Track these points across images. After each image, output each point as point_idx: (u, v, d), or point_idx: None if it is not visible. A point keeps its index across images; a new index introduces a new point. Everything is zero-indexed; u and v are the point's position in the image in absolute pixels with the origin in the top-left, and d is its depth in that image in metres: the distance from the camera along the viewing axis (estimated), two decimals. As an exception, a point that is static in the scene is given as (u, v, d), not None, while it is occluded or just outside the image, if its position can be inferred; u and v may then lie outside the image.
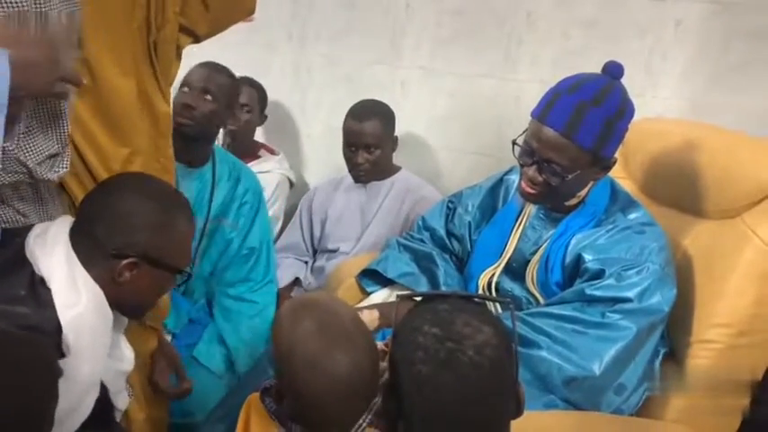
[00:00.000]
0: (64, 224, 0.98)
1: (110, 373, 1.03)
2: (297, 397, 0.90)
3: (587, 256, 1.26)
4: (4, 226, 0.98)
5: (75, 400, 0.93)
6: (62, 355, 0.90)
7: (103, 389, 1.00)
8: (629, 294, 1.19)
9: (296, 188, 2.23)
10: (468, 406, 0.78)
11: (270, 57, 2.29)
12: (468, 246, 1.50)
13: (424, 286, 1.44)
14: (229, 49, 2.19)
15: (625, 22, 1.66)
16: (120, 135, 1.14)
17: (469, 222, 1.51)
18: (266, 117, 2.23)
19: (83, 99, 1.08)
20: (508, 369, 0.82)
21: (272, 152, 2.21)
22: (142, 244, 0.96)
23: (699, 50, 1.58)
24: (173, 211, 1.00)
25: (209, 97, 1.59)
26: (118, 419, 1.11)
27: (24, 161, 0.93)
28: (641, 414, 1.22)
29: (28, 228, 0.99)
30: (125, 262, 0.95)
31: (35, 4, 0.90)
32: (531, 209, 1.38)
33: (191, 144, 1.58)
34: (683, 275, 1.26)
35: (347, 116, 1.87)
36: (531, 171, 1.24)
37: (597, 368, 1.17)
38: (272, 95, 2.23)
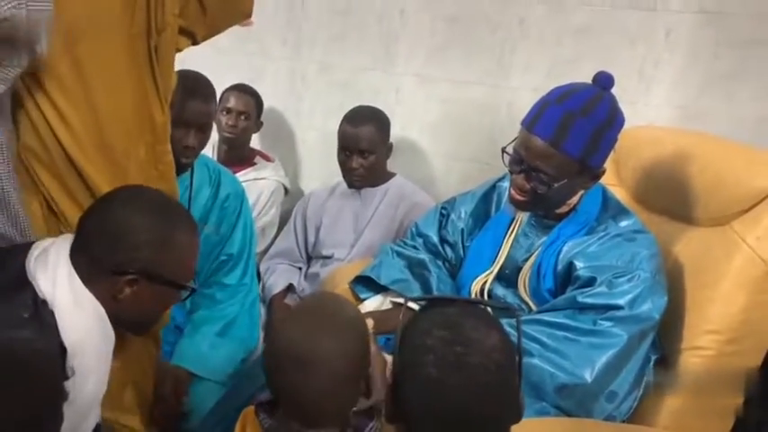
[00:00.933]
0: (64, 243, 0.97)
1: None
2: (289, 394, 0.91)
3: (579, 264, 1.27)
4: None
5: (77, 421, 0.93)
6: (66, 377, 0.89)
7: None
8: (621, 302, 1.20)
9: (291, 194, 2.24)
10: (475, 409, 0.79)
11: (265, 63, 2.30)
12: (462, 252, 1.50)
13: (416, 292, 1.44)
14: (225, 56, 2.21)
15: (616, 32, 1.67)
16: (116, 144, 1.14)
17: (462, 229, 1.51)
18: (262, 124, 2.23)
19: (78, 110, 1.08)
20: (512, 374, 0.83)
21: (267, 159, 2.21)
22: (142, 260, 0.95)
23: (689, 59, 1.59)
24: (172, 225, 0.99)
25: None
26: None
27: None
28: (633, 421, 1.23)
29: (27, 245, 0.98)
30: (125, 279, 0.94)
31: None
32: (523, 216, 1.39)
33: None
34: (673, 282, 1.27)
35: (343, 121, 1.88)
36: (520, 179, 1.26)
37: (589, 375, 1.18)
38: (267, 102, 2.24)
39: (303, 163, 2.37)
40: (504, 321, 0.94)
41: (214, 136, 2.20)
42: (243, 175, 2.10)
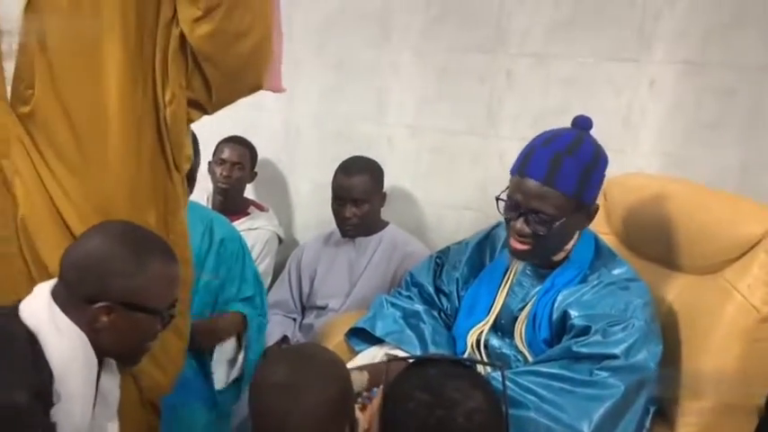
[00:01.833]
0: (49, 282, 1.02)
1: None
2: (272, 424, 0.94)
3: (573, 313, 1.26)
4: None
5: None
6: (52, 404, 0.92)
7: None
8: (616, 351, 1.19)
9: (285, 244, 2.24)
10: None
11: (259, 115, 2.34)
12: (457, 302, 1.50)
13: (412, 344, 1.44)
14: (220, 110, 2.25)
15: (601, 82, 1.72)
16: (121, 214, 1.15)
17: (458, 278, 1.51)
18: (256, 174, 2.26)
19: (76, 176, 1.09)
20: None
21: (261, 208, 2.23)
22: (114, 289, 0.98)
23: (673, 109, 1.63)
24: (144, 253, 1.01)
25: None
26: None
27: None
28: (634, 475, 1.20)
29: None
30: (97, 306, 0.97)
31: None
32: (518, 265, 1.39)
33: None
34: (667, 331, 1.27)
35: (337, 171, 1.90)
36: (519, 224, 1.26)
37: (587, 428, 1.16)
38: (261, 153, 2.27)
39: (297, 213, 2.38)
40: (497, 375, 0.93)
41: (209, 186, 2.23)
42: (237, 225, 2.10)
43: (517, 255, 1.30)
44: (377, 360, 1.47)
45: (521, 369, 1.27)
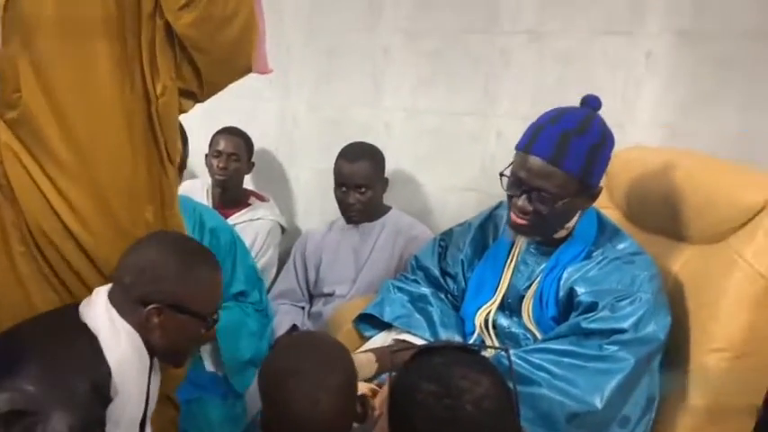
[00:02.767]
0: (105, 287, 1.10)
1: None
2: (281, 422, 1.00)
3: (580, 289, 1.27)
4: None
5: None
6: (110, 399, 1.00)
7: None
8: (624, 325, 1.20)
9: (288, 233, 2.24)
10: None
11: (255, 105, 2.33)
12: (463, 283, 1.51)
13: (421, 328, 1.45)
14: (214, 100, 2.22)
15: (597, 57, 1.71)
16: (120, 213, 1.16)
17: (462, 260, 1.52)
18: (253, 164, 2.25)
19: (76, 183, 1.09)
20: (510, 416, 0.82)
21: (261, 199, 2.22)
22: (165, 292, 1.06)
23: (670, 80, 1.63)
24: (193, 260, 1.10)
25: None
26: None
27: None
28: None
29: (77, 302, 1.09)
30: (150, 307, 1.05)
31: None
32: (522, 243, 1.40)
33: None
34: (675, 302, 1.28)
35: (338, 157, 1.90)
36: (521, 201, 1.26)
37: (599, 402, 1.17)
38: (258, 143, 2.26)
39: (298, 201, 2.38)
40: (511, 353, 0.94)
41: (207, 180, 2.22)
42: (238, 217, 2.11)
43: (517, 229, 1.30)
44: (386, 345, 1.48)
45: (531, 347, 1.28)
